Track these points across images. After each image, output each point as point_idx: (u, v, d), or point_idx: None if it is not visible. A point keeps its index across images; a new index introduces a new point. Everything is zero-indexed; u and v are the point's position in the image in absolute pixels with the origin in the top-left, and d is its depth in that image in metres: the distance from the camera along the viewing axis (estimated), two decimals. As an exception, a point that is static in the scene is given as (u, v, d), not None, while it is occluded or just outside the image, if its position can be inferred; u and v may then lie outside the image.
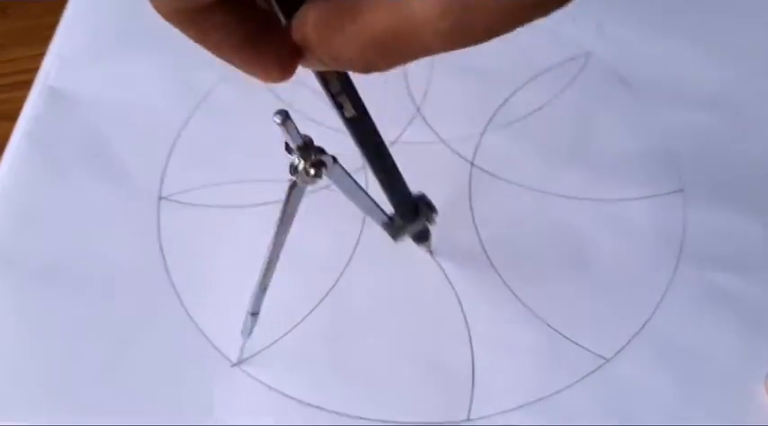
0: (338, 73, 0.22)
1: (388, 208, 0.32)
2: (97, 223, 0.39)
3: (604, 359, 0.34)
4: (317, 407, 0.33)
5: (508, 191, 0.40)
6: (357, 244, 0.38)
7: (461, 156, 0.41)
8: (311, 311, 0.36)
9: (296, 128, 0.24)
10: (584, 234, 0.38)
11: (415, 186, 0.40)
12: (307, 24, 0.18)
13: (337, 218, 0.38)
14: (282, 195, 0.40)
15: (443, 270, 0.37)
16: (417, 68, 0.45)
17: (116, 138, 0.42)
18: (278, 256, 0.30)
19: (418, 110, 0.43)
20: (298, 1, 0.18)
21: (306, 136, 0.25)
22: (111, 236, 0.38)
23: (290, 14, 0.18)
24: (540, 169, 0.40)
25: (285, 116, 0.23)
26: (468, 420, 0.33)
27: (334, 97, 0.23)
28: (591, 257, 0.37)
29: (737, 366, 0.34)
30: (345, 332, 0.35)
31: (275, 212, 0.39)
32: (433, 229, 0.35)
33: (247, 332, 0.33)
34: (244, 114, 0.43)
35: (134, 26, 0.46)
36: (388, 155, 0.28)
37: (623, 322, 0.35)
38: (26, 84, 0.44)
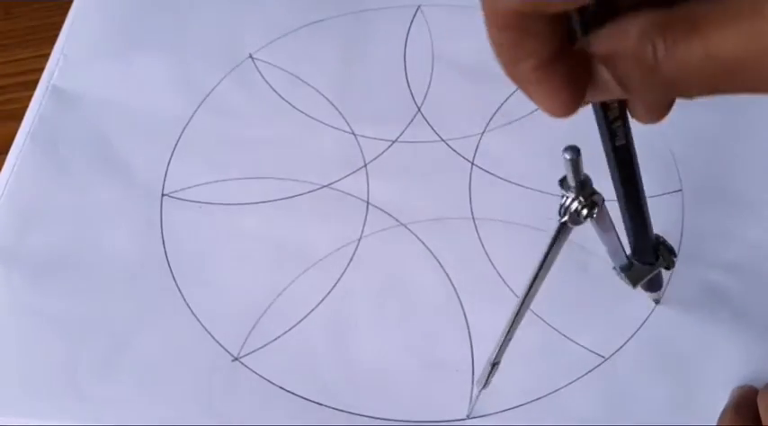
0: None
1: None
2: (101, 220, 0.39)
3: (603, 357, 0.34)
4: (318, 403, 0.34)
5: (508, 191, 0.40)
6: (358, 242, 0.38)
7: (461, 156, 0.41)
8: (314, 308, 0.36)
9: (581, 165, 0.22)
10: (583, 233, 0.38)
11: (415, 185, 0.40)
12: (628, 37, 0.16)
13: (339, 217, 0.39)
14: (283, 192, 0.40)
15: (444, 269, 0.37)
16: (418, 67, 0.45)
17: (120, 137, 0.42)
18: (530, 303, 0.28)
19: (419, 109, 0.43)
20: (601, 15, 0.16)
21: (585, 174, 0.24)
22: (114, 233, 0.38)
23: (588, 29, 0.17)
24: (539, 168, 0.40)
25: (576, 153, 0.22)
26: (468, 418, 0.33)
27: (609, 124, 0.21)
28: (590, 256, 0.37)
29: (734, 365, 0.34)
30: (346, 330, 0.36)
31: (277, 209, 0.40)
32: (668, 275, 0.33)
33: (483, 381, 0.31)
34: (246, 112, 0.43)
35: (138, 26, 0.46)
36: (642, 190, 0.27)
37: (622, 321, 0.35)
38: (31, 84, 0.44)
